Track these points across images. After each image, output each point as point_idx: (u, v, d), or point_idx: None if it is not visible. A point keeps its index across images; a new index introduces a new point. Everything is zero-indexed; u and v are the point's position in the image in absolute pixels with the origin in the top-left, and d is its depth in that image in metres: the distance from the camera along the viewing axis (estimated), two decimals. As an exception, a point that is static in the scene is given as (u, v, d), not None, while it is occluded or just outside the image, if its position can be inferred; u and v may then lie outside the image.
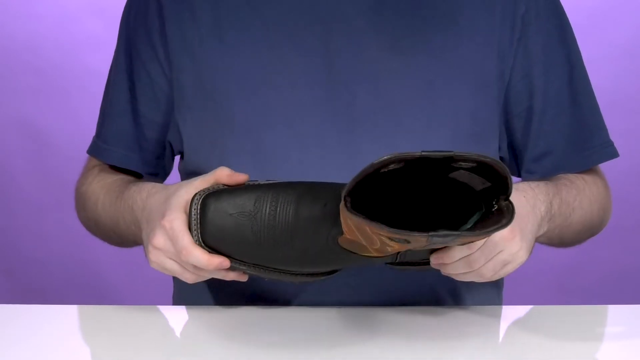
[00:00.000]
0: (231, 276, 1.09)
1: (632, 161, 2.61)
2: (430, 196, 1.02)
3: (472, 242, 1.03)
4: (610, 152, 1.31)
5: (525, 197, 1.14)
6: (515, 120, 1.29)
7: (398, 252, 1.06)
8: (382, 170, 0.95)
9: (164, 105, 1.29)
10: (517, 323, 1.18)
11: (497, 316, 1.19)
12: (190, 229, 1.06)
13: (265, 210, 1.05)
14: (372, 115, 1.22)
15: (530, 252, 1.11)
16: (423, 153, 0.94)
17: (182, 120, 1.29)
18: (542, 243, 1.25)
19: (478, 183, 0.98)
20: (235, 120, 1.23)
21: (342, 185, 1.01)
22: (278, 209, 1.05)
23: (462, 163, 0.95)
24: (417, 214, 1.03)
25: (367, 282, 1.23)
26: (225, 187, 1.09)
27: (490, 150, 1.28)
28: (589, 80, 1.31)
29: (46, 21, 2.66)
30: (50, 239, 2.75)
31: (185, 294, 1.34)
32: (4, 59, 2.68)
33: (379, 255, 1.03)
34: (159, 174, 1.36)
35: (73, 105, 2.68)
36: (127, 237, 1.25)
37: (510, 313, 1.21)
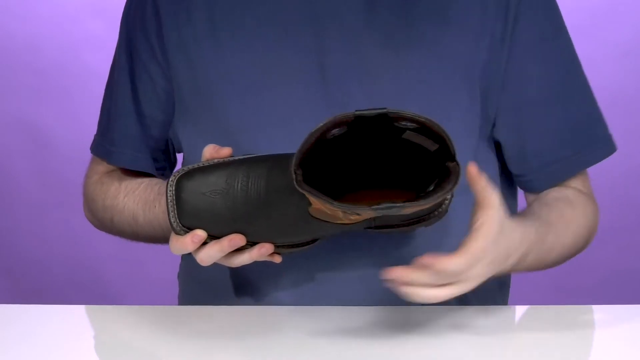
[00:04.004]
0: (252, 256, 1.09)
1: (632, 161, 2.61)
2: (393, 164, 1.04)
3: (421, 208, 1.02)
4: (610, 146, 1.30)
5: (509, 247, 1.09)
6: (503, 111, 1.27)
7: (373, 217, 1.06)
8: (329, 137, 0.97)
9: (165, 104, 1.30)
10: (517, 323, 1.18)
11: (497, 316, 1.19)
12: (167, 211, 1.07)
13: (238, 186, 1.06)
14: None
15: (475, 286, 1.07)
16: (356, 112, 0.97)
17: (180, 120, 1.29)
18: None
19: (429, 144, 0.99)
20: (230, 120, 1.24)
21: None
22: (249, 183, 1.06)
23: (402, 122, 0.97)
24: (380, 183, 1.04)
25: (368, 281, 1.23)
26: (200, 165, 1.09)
27: (489, 146, 1.28)
28: (585, 75, 1.31)
29: (46, 21, 2.66)
30: (50, 239, 2.75)
31: (189, 294, 1.34)
32: (4, 59, 2.68)
33: (351, 222, 1.04)
34: (166, 168, 1.36)
35: (73, 105, 2.69)
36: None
37: (510, 313, 1.21)
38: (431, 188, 1.01)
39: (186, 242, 1.07)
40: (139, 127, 1.32)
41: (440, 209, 1.08)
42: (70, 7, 2.66)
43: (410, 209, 0.97)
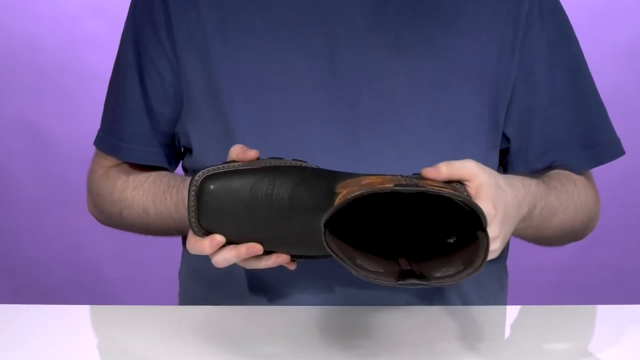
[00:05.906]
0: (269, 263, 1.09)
1: (632, 161, 2.61)
2: (420, 207, 1.03)
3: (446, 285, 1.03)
4: (618, 150, 1.32)
5: (517, 195, 1.11)
6: (514, 120, 1.28)
7: None
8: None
9: (173, 100, 1.29)
10: (517, 323, 1.18)
11: (498, 316, 1.19)
12: (188, 211, 1.07)
13: (261, 197, 1.06)
14: (376, 116, 1.22)
15: (503, 246, 1.09)
16: (395, 188, 0.95)
17: (188, 118, 1.29)
18: (516, 236, 1.23)
19: (462, 205, 0.99)
20: (239, 121, 1.23)
21: (339, 177, 1.04)
22: (273, 196, 1.06)
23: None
24: (406, 226, 1.04)
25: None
26: (225, 169, 1.09)
27: (494, 156, 1.28)
28: (592, 80, 1.32)
29: (46, 21, 2.66)
30: (50, 239, 2.75)
31: (193, 293, 1.34)
32: (4, 59, 2.69)
33: None
34: (172, 162, 1.36)
35: (73, 105, 2.69)
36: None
37: (511, 313, 1.21)
38: (451, 240, 1.01)
39: (204, 245, 1.07)
40: (148, 122, 1.31)
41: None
42: (70, 7, 2.66)
43: (434, 285, 0.96)
